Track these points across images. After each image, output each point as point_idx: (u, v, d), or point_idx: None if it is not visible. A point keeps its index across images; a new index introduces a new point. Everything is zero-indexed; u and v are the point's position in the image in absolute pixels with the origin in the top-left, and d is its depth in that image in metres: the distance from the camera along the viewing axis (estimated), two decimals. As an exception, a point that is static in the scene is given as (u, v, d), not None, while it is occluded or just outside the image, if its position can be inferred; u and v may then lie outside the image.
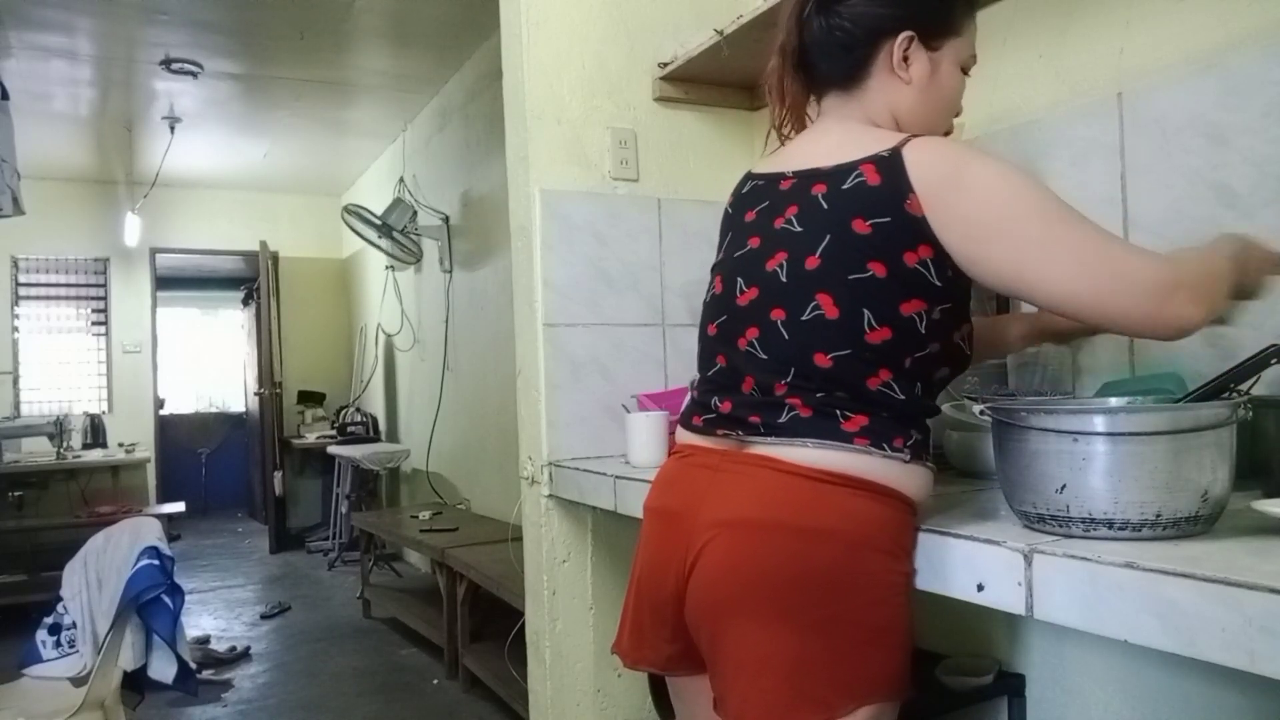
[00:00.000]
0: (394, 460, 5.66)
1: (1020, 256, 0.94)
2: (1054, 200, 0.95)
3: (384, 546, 5.16)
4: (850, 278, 0.99)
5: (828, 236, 1.01)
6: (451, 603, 3.58)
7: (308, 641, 4.31)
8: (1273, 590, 0.66)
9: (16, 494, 5.14)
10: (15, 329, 6.52)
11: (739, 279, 1.10)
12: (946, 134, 1.17)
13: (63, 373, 6.73)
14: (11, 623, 3.89)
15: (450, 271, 4.88)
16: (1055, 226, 0.93)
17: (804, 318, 1.01)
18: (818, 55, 1.13)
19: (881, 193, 0.99)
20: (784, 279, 1.04)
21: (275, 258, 6.88)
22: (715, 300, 1.15)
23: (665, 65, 2.06)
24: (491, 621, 3.45)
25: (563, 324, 1.93)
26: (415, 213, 5.05)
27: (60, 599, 2.35)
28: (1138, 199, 1.42)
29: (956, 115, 1.18)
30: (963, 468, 1.34)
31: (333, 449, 5.97)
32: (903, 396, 1.00)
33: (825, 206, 1.02)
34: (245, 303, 7.81)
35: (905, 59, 1.09)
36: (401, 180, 5.34)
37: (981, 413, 0.97)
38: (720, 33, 1.89)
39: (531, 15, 1.96)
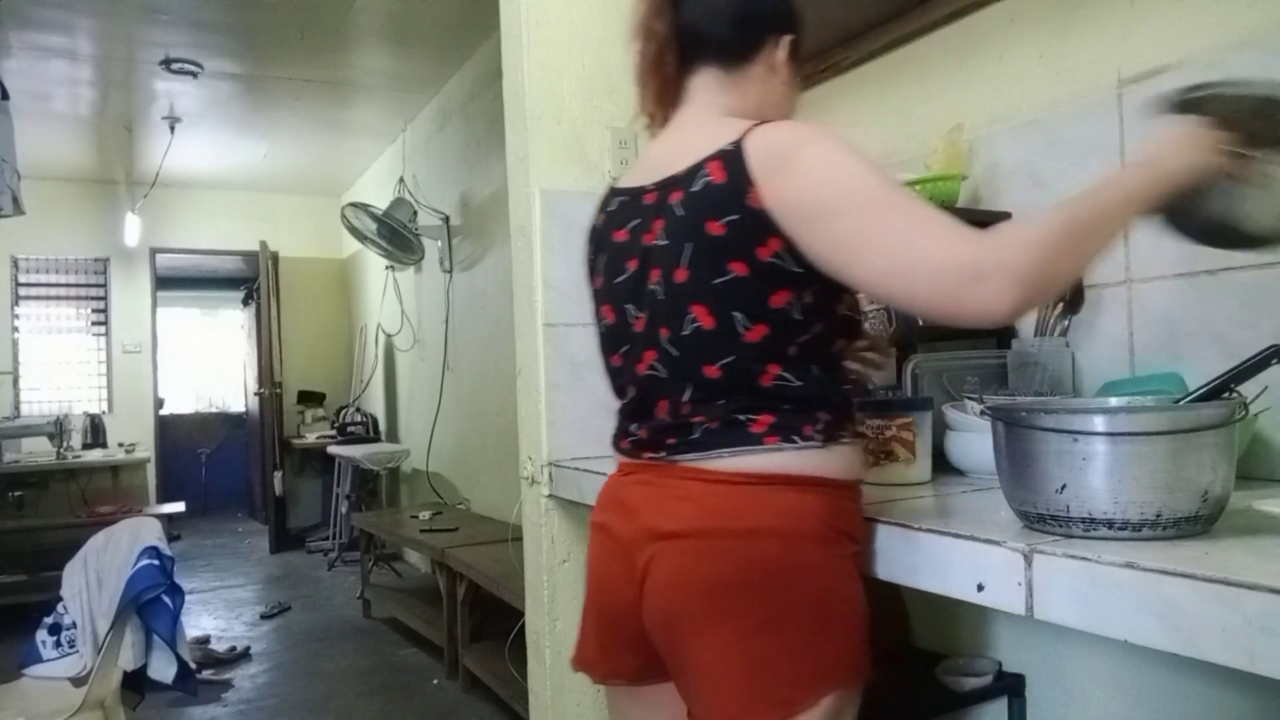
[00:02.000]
0: (394, 460, 5.66)
1: (838, 241, 0.94)
2: (883, 187, 0.93)
3: (384, 546, 5.16)
4: (715, 283, 0.99)
5: (689, 245, 1.01)
6: (451, 603, 3.58)
7: (308, 641, 4.31)
8: (1273, 590, 0.66)
9: (16, 494, 5.14)
10: (15, 329, 6.52)
11: (629, 306, 1.11)
12: None
13: (63, 373, 6.73)
14: (11, 623, 3.89)
15: (450, 271, 4.88)
16: (873, 212, 0.92)
17: (685, 333, 1.02)
18: (712, 24, 1.10)
19: (726, 190, 0.98)
20: (661, 296, 1.05)
21: (275, 258, 6.88)
22: (612, 330, 1.15)
23: (665, 65, 2.06)
24: (491, 621, 3.45)
25: (563, 324, 1.93)
26: (415, 212, 5.05)
27: (60, 599, 2.35)
28: (1138, 199, 1.41)
29: None
30: (963, 468, 1.34)
31: (333, 449, 5.97)
32: (800, 383, 1.01)
33: (682, 214, 1.03)
34: (245, 303, 7.81)
35: (784, 60, 1.13)
36: (401, 180, 5.34)
37: (981, 413, 0.97)
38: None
39: (531, 15, 1.96)
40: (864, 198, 0.93)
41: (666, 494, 1.05)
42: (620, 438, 1.17)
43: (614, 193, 1.19)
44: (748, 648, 0.97)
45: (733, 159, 0.99)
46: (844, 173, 0.95)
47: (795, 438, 0.99)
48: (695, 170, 1.02)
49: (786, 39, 1.13)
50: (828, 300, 1.02)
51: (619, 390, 1.17)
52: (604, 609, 1.15)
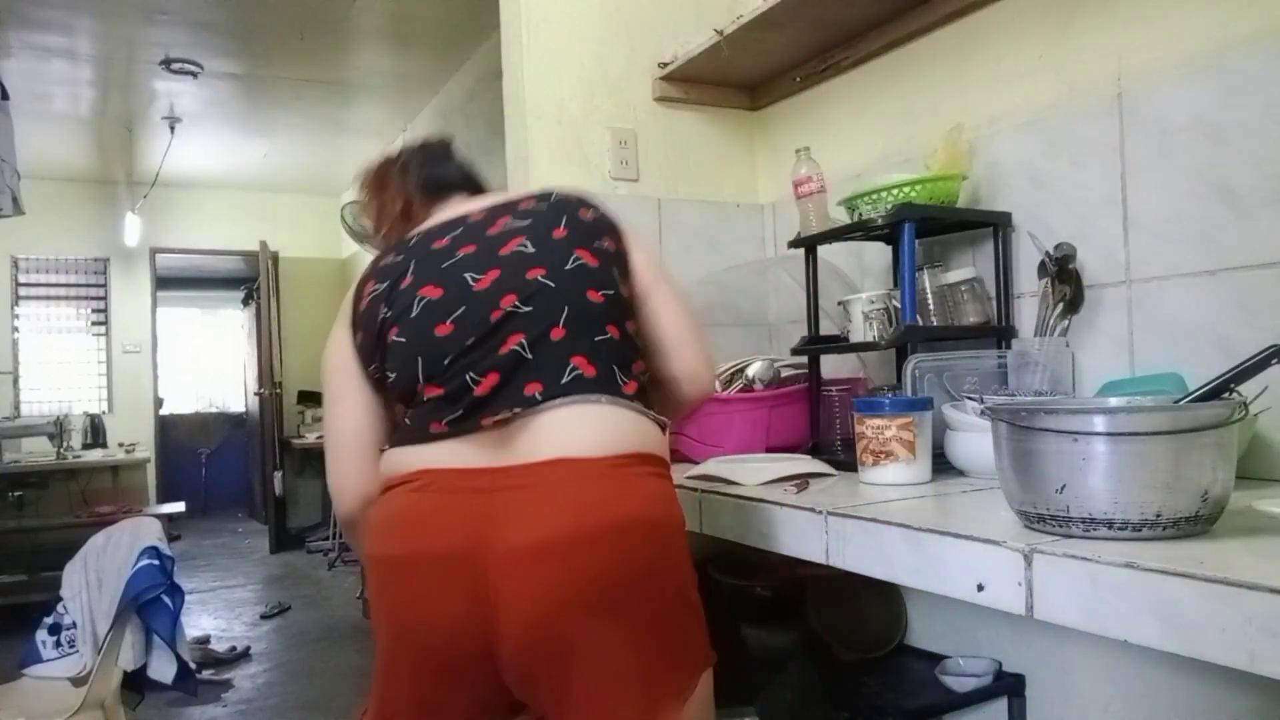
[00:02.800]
0: (394, 460, 5.65)
1: None
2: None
3: (384, 546, 5.15)
4: None
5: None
6: (451, 603, 3.57)
7: (308, 641, 4.31)
8: (1273, 590, 0.66)
9: (16, 494, 5.13)
10: (15, 329, 6.52)
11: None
12: None
13: (63, 373, 6.73)
14: (11, 623, 3.88)
15: (450, 271, 4.88)
16: None
17: None
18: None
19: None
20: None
21: (275, 258, 6.88)
22: None
23: (665, 65, 2.06)
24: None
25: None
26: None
27: (60, 599, 2.35)
28: (1138, 199, 1.42)
29: None
30: (963, 468, 1.34)
31: (333, 449, 5.95)
32: None
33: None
34: (245, 303, 7.81)
35: None
36: (401, 180, 5.33)
37: (981, 413, 0.97)
38: (720, 33, 1.89)
39: (531, 15, 1.96)
40: None
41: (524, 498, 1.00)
42: None
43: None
44: (644, 645, 0.99)
45: None
46: None
47: None
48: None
49: None
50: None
51: None
52: (432, 658, 1.00)
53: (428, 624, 1.00)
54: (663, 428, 1.12)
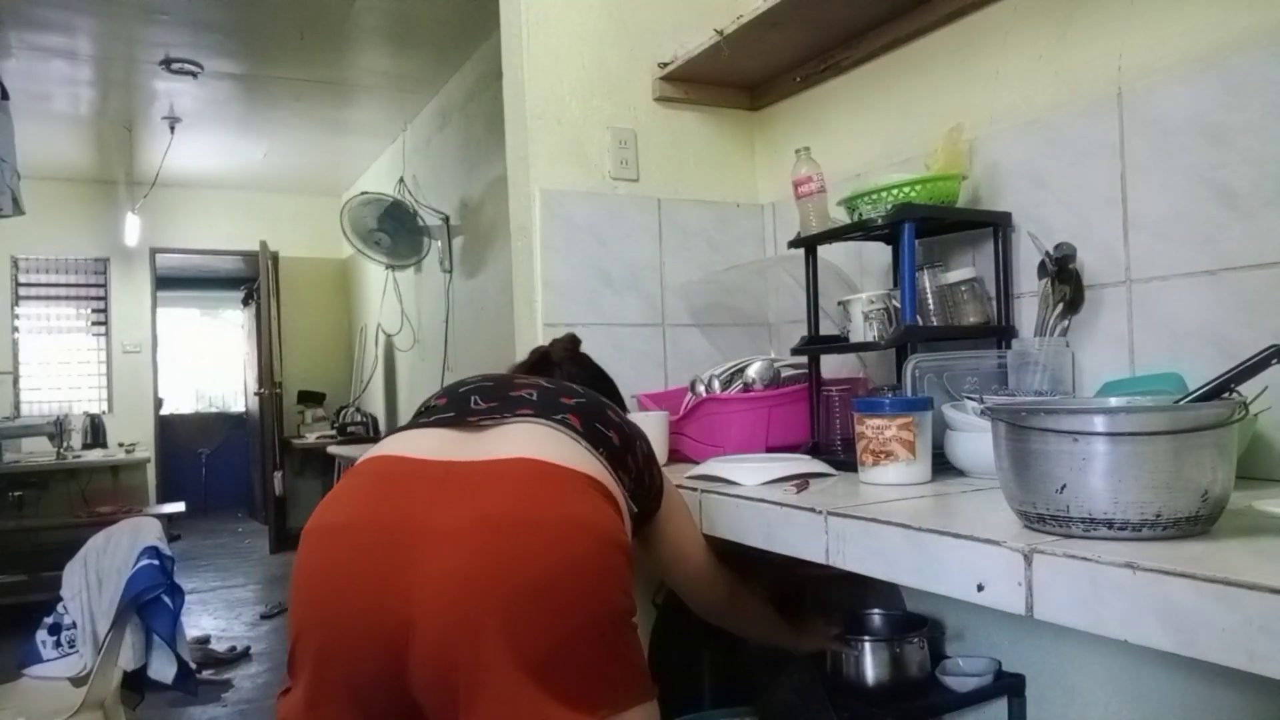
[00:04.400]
0: (394, 460, 5.64)
1: None
2: None
3: (384, 546, 5.14)
4: None
5: None
6: (451, 603, 3.57)
7: (308, 641, 4.30)
8: (1273, 590, 0.66)
9: (16, 494, 5.14)
10: (15, 329, 6.52)
11: None
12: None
13: (63, 373, 6.73)
14: (11, 623, 3.88)
15: (450, 271, 4.88)
16: None
17: None
18: None
19: None
20: None
21: (275, 258, 6.88)
22: None
23: (665, 65, 2.06)
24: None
25: (563, 324, 1.93)
26: (415, 213, 5.05)
27: (60, 599, 2.35)
28: (1138, 199, 1.41)
29: None
30: (963, 468, 1.34)
31: (333, 449, 5.96)
32: None
33: None
34: (245, 303, 7.81)
35: None
36: (401, 180, 5.34)
37: (981, 413, 0.97)
38: (720, 33, 1.89)
39: (531, 15, 1.96)
40: None
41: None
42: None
43: None
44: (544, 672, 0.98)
45: None
46: None
47: None
48: None
49: None
50: None
51: None
52: (339, 633, 0.98)
53: (339, 589, 0.95)
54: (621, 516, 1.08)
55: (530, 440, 1.06)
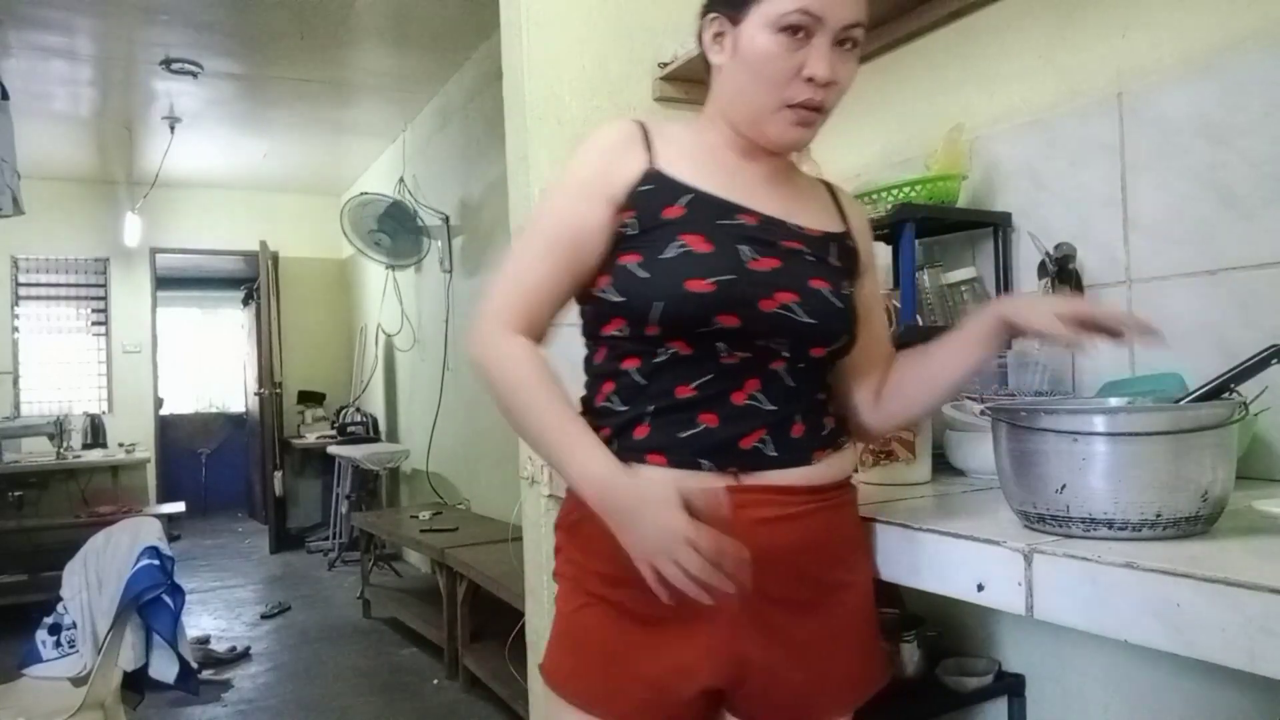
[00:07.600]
0: (394, 460, 5.65)
1: None
2: (530, 229, 1.11)
3: (384, 546, 5.15)
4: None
5: None
6: (451, 603, 3.58)
7: (308, 641, 4.31)
8: (1273, 590, 0.66)
9: (16, 494, 5.13)
10: (15, 329, 6.52)
11: None
12: (799, 106, 0.99)
13: (63, 373, 6.73)
14: (11, 623, 3.89)
15: (450, 271, 4.88)
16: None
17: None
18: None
19: None
20: None
21: (275, 258, 6.88)
22: None
23: (665, 65, 2.06)
24: (491, 621, 3.45)
25: (563, 324, 1.93)
26: (416, 213, 5.05)
27: (60, 599, 2.35)
28: (1138, 199, 1.42)
29: (810, 79, 0.97)
30: (963, 468, 1.34)
31: (333, 449, 5.97)
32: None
33: None
34: (245, 303, 7.81)
35: (716, 39, 1.02)
36: (401, 180, 5.34)
37: (981, 413, 0.97)
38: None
39: (531, 15, 1.96)
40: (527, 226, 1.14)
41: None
42: None
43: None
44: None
45: None
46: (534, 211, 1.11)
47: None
48: None
49: (708, 19, 1.02)
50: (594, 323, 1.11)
51: None
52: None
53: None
54: None
55: None
